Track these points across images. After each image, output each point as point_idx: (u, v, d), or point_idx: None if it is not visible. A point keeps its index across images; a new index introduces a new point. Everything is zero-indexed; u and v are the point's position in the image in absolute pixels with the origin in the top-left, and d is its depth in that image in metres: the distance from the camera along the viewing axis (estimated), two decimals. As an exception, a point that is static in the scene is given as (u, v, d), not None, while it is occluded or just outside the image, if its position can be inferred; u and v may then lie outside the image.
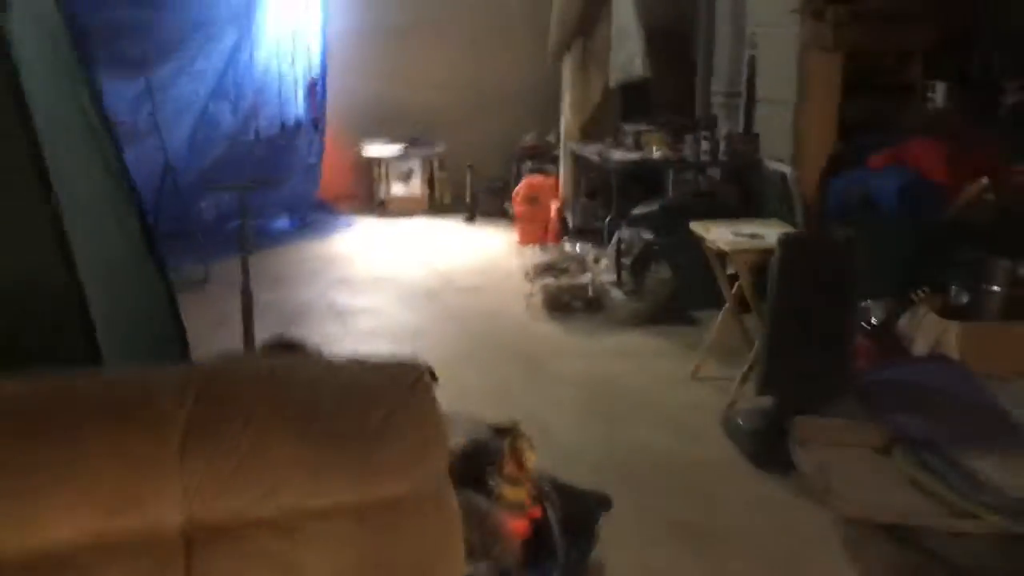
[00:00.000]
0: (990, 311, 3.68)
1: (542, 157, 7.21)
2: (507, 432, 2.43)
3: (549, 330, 5.04)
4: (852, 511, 2.99)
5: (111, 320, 2.36)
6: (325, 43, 7.18)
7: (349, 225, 7.25)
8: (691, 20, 7.15)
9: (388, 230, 7.23)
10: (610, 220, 5.56)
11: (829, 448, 3.21)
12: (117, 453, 1.38)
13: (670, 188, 6.33)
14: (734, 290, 4.15)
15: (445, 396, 3.93)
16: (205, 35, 6.62)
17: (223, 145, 6.91)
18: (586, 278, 5.30)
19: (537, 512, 2.20)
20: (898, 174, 4.85)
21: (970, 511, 2.86)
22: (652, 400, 4.09)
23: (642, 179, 6.29)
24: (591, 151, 5.96)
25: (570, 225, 6.49)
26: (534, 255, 6.03)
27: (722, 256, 4.12)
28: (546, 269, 5.39)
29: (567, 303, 5.26)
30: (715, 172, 6.08)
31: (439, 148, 7.69)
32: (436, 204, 7.71)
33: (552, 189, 6.69)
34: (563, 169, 6.65)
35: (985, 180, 4.60)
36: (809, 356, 3.45)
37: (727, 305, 4.25)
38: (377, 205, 7.59)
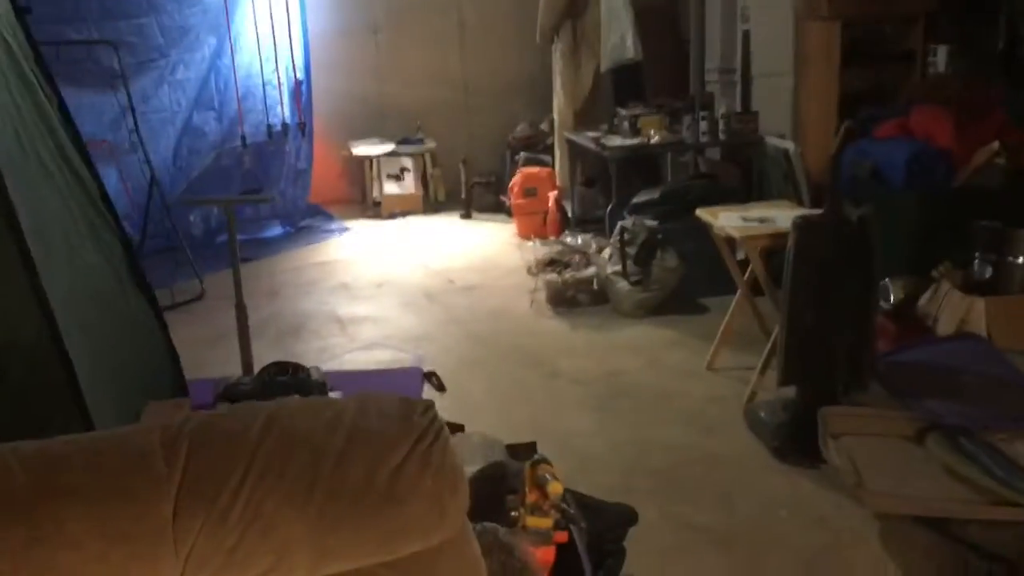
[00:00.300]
0: (1015, 284, 3.54)
1: (536, 147, 7.06)
2: (525, 450, 2.29)
3: (556, 327, 4.90)
4: (887, 506, 2.85)
5: (96, 360, 2.23)
6: (307, 44, 7.02)
7: (343, 229, 7.09)
8: (681, -5, 6.98)
9: (384, 231, 7.08)
10: (611, 209, 5.41)
11: (859, 439, 3.07)
12: (102, 534, 1.24)
13: (669, 173, 6.19)
14: (746, 276, 4.01)
15: (455, 406, 3.82)
16: (184, 44, 6.45)
17: (210, 155, 6.74)
18: (590, 270, 5.16)
19: (563, 537, 2.06)
20: (905, 144, 4.72)
21: (1012, 499, 2.73)
22: (668, 395, 3.96)
23: (640, 164, 6.15)
24: (587, 139, 5.80)
25: (570, 215, 6.34)
26: (535, 249, 5.88)
27: (731, 242, 3.97)
28: (548, 263, 5.25)
29: (572, 297, 5.13)
30: (714, 153, 5.93)
31: (431, 144, 7.53)
32: (431, 202, 7.56)
33: (549, 179, 6.54)
34: (559, 158, 6.49)
35: (995, 144, 4.46)
36: (830, 342, 3.30)
37: (739, 292, 4.11)
38: (371, 206, 7.44)
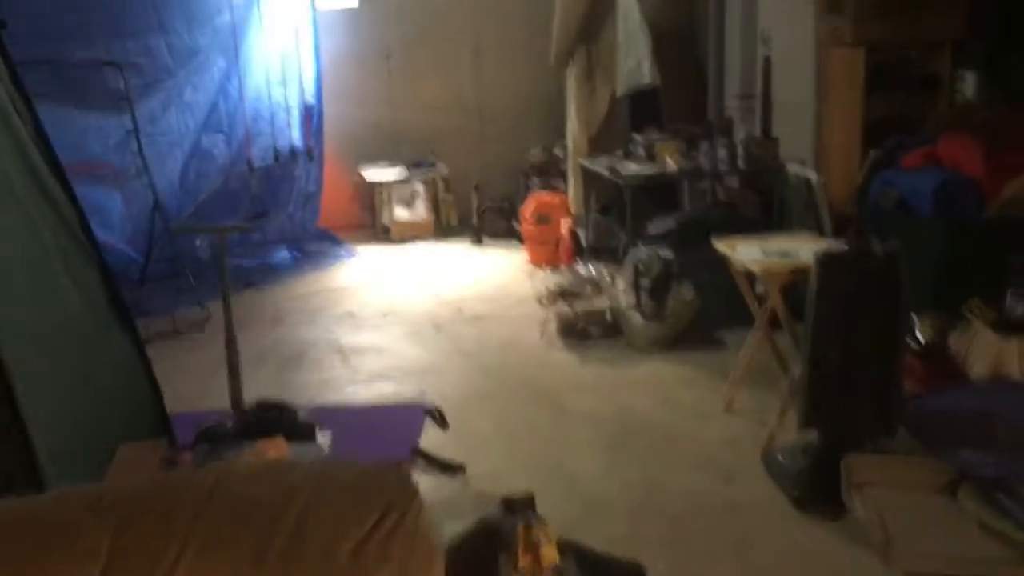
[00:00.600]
0: (1053, 324, 3.33)
1: (550, 173, 6.90)
2: (522, 504, 2.10)
3: (566, 360, 4.71)
4: (917, 565, 2.64)
5: (65, 396, 2.06)
6: (319, 67, 6.91)
7: (352, 254, 6.94)
8: (700, 20, 6.83)
9: (393, 257, 6.93)
10: (624, 239, 5.23)
11: (886, 490, 2.86)
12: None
13: (686, 200, 6.01)
14: (765, 311, 3.81)
15: (458, 444, 3.64)
16: (193, 65, 6.35)
17: (218, 178, 6.65)
18: (603, 302, 4.97)
19: (559, 606, 1.88)
20: (932, 174, 4.52)
21: (1053, 559, 2.51)
22: (683, 437, 3.75)
23: (656, 192, 5.97)
24: (601, 165, 5.63)
25: (583, 243, 6.16)
26: (546, 278, 5.70)
27: (750, 276, 3.78)
28: (560, 293, 5.06)
29: (584, 329, 4.94)
30: (733, 181, 5.74)
31: (443, 169, 7.39)
32: (442, 227, 7.40)
33: (562, 206, 6.37)
34: (572, 184, 6.32)
35: (1028, 175, 4.26)
36: (855, 384, 3.10)
37: (757, 327, 3.91)
38: (381, 231, 7.29)
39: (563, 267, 5.81)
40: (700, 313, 4.75)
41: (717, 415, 3.95)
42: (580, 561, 2.29)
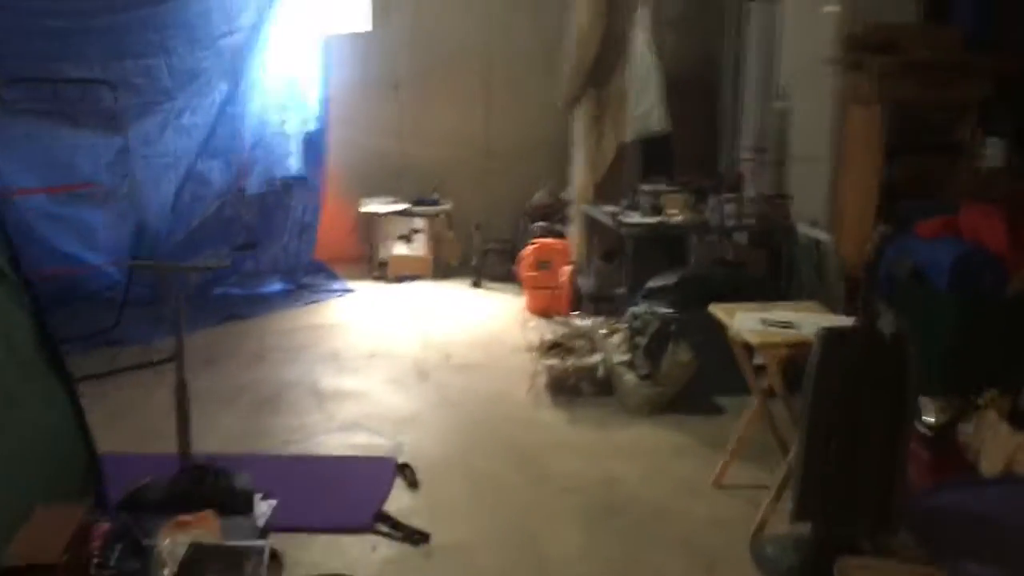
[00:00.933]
0: (1075, 421, 3.05)
1: (554, 217, 6.68)
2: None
3: (554, 419, 4.45)
4: None
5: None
6: (326, 96, 6.74)
7: (346, 289, 6.73)
8: (717, 68, 6.64)
9: (388, 295, 6.71)
10: (624, 291, 4.99)
11: (882, 600, 2.60)
12: None
13: (693, 254, 5.77)
14: (763, 386, 3.55)
15: (427, 508, 3.37)
16: (194, 88, 6.20)
17: (212, 203, 6.46)
18: (596, 357, 4.73)
19: None
20: (951, 245, 4.27)
21: None
22: (668, 514, 3.49)
23: (663, 244, 5.74)
24: (604, 213, 5.41)
25: (584, 293, 5.92)
26: (542, 327, 5.49)
27: (749, 346, 3.53)
28: (552, 346, 4.82)
29: (575, 386, 4.69)
30: (742, 237, 5.51)
31: (446, 206, 7.19)
32: (441, 266, 7.18)
33: (564, 253, 6.14)
34: (575, 231, 6.10)
35: (1053, 253, 4.01)
36: (854, 476, 2.84)
37: (755, 400, 3.65)
38: (377, 267, 7.07)
39: (559, 317, 5.58)
40: (698, 376, 4.50)
41: (707, 491, 3.68)
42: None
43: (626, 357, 4.57)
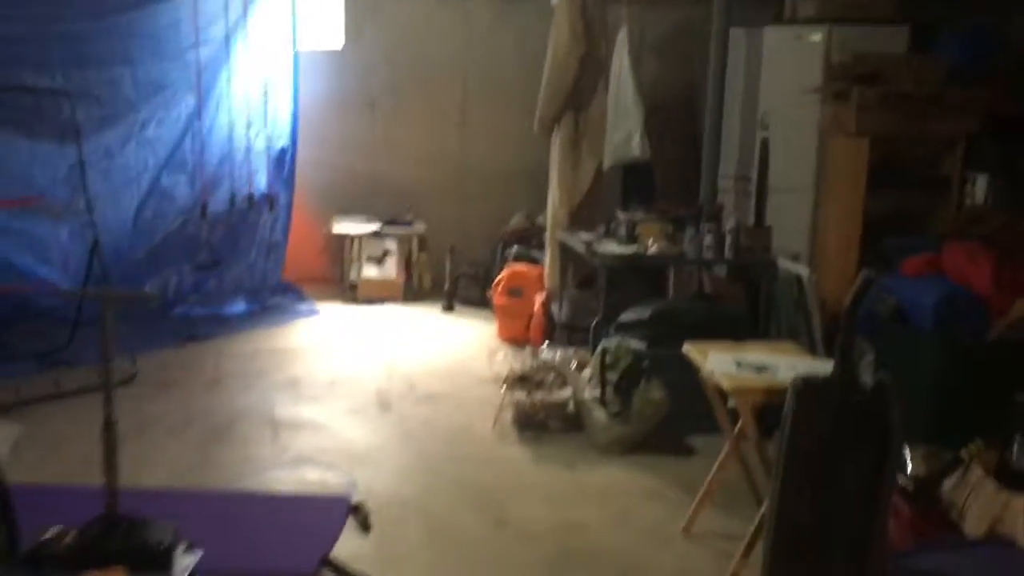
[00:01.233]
0: (1064, 479, 2.88)
1: (530, 242, 6.49)
2: None
3: (518, 457, 4.24)
4: None
5: None
6: (297, 112, 6.55)
7: (313, 311, 6.50)
8: (700, 95, 6.50)
9: (356, 318, 6.48)
10: (596, 323, 4.80)
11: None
12: None
13: (671, 286, 5.59)
14: (736, 430, 3.37)
15: (378, 553, 3.14)
16: (159, 100, 5.99)
17: (176, 220, 6.24)
18: (566, 392, 4.53)
19: None
20: (935, 284, 4.14)
21: None
22: (634, 567, 3.28)
23: (640, 273, 5.56)
24: (579, 240, 5.22)
25: (556, 321, 5.73)
26: (512, 357, 5.28)
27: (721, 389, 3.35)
28: (520, 379, 4.62)
29: (543, 421, 4.48)
30: (721, 269, 5.34)
31: (420, 228, 6.99)
32: (413, 289, 6.97)
33: (538, 280, 5.95)
34: (549, 258, 5.91)
35: (1039, 296, 3.87)
36: (830, 532, 2.65)
37: (727, 446, 3.46)
38: (347, 289, 6.86)
39: (530, 347, 5.39)
40: (671, 414, 4.30)
41: (676, 539, 3.48)
42: None
43: (597, 393, 4.38)
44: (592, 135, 5.64)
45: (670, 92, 6.90)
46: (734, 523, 3.47)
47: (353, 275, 6.84)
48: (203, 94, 6.13)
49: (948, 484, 3.06)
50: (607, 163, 5.65)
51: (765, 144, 5.55)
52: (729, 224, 4.91)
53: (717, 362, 3.20)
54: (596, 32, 5.59)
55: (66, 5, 5.42)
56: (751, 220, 5.43)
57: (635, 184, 6.40)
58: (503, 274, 6.04)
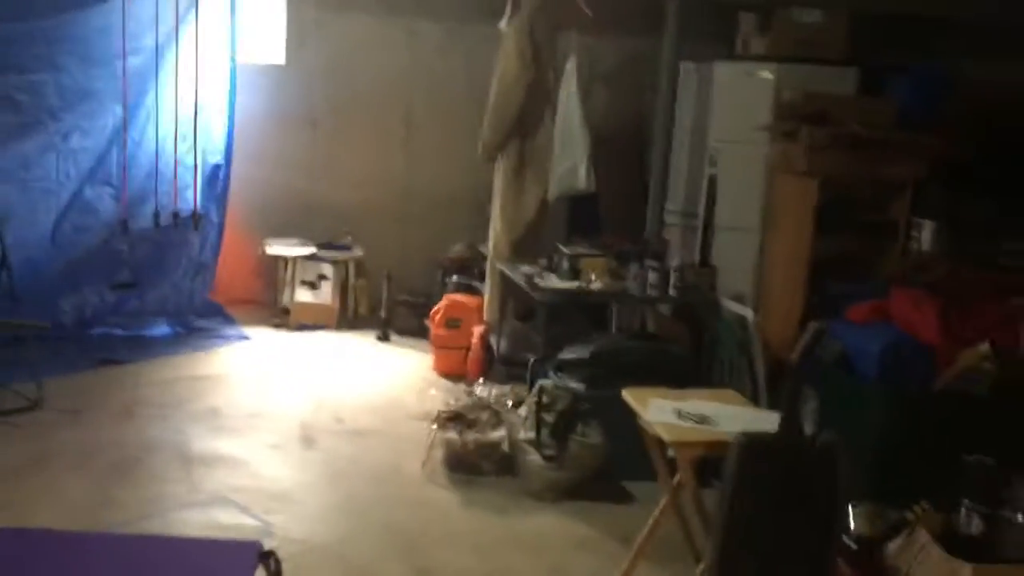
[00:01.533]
0: (1011, 547, 2.74)
1: (471, 272, 6.28)
2: None
3: (446, 500, 4.02)
4: None
5: None
6: (232, 127, 6.28)
7: (242, 336, 6.19)
8: (648, 128, 6.39)
9: (286, 345, 6.19)
10: (534, 361, 4.62)
11: None
12: None
13: (614, 323, 5.44)
14: (675, 482, 3.19)
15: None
16: (84, 109, 5.68)
17: (99, 236, 5.92)
18: (500, 432, 4.32)
19: None
20: (881, 332, 4.04)
21: None
22: (563, 626, 3.08)
23: (584, 306, 5.41)
24: (519, 273, 5.05)
25: (495, 355, 5.53)
26: (446, 392, 5.08)
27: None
28: (453, 417, 4.40)
29: (475, 463, 4.26)
30: (666, 308, 5.20)
31: (357, 252, 6.74)
32: (348, 317, 6.70)
33: (477, 311, 5.74)
34: (489, 289, 5.72)
35: (986, 346, 3.78)
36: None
37: (665, 498, 3.28)
38: (280, 313, 6.56)
39: (466, 381, 5.18)
40: (608, 459, 4.12)
41: (610, 597, 3.29)
42: None
43: (532, 435, 4.17)
44: (537, 164, 5.49)
45: (618, 124, 6.77)
46: (672, 579, 3.30)
47: (286, 299, 6.55)
48: (131, 104, 5.84)
49: (893, 547, 2.91)
50: (552, 194, 5.50)
51: (713, 181, 5.45)
52: (674, 262, 4.78)
53: (657, 411, 3.03)
54: (545, 60, 5.46)
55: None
56: (696, 258, 5.30)
57: (581, 216, 6.25)
58: (441, 304, 5.83)
